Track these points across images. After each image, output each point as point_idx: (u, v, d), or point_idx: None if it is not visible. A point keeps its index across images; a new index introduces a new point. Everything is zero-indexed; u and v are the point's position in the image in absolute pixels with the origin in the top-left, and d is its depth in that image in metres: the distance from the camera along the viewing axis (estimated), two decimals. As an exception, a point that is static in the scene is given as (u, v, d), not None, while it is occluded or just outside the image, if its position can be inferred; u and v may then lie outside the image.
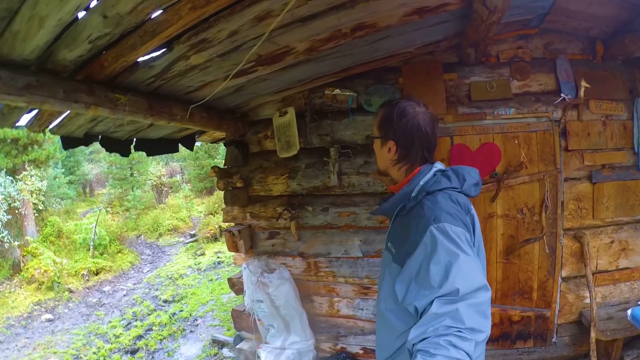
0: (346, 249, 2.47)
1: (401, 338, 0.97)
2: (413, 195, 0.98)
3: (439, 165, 1.04)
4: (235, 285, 2.89)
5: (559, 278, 2.33)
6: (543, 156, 2.22)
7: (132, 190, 10.45)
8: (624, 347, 2.20)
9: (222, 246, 7.38)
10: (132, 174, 10.65)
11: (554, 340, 2.37)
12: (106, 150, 2.38)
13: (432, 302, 0.79)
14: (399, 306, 0.94)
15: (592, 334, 2.12)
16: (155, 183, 11.44)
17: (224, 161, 2.77)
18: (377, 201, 2.31)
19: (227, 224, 3.16)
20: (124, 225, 8.89)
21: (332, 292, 2.60)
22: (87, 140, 2.18)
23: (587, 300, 2.30)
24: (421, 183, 0.99)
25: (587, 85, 2.20)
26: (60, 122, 1.89)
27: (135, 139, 2.55)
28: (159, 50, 1.45)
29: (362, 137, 2.36)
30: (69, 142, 2.10)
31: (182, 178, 13.47)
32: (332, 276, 2.55)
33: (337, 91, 2.37)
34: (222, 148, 11.21)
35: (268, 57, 1.70)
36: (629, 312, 2.00)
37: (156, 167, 12.35)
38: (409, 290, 0.87)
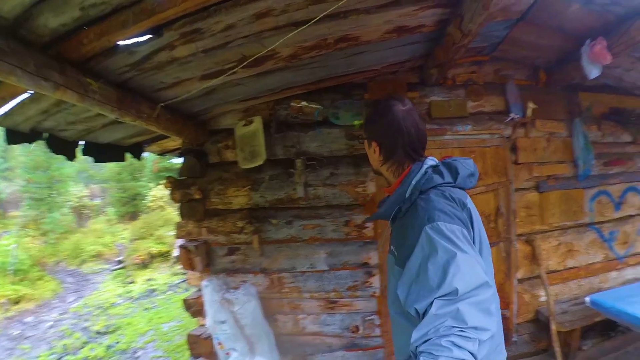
0: (312, 262, 2.77)
1: None
2: (407, 196, 1.08)
3: (430, 161, 1.14)
4: (192, 307, 2.99)
5: (515, 280, 2.89)
6: (496, 169, 2.81)
7: (50, 212, 9.90)
8: (581, 338, 2.80)
9: (153, 273, 7.43)
10: (50, 195, 10.12)
11: (514, 339, 2.93)
12: (52, 152, 2.42)
13: (432, 303, 0.87)
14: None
15: (553, 327, 2.70)
16: (75, 205, 11.00)
17: (179, 172, 2.95)
18: (342, 213, 2.71)
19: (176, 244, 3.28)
20: (42, 250, 8.43)
21: (296, 308, 2.85)
22: (32, 136, 2.24)
23: (542, 299, 2.94)
24: (413, 182, 1.09)
25: (535, 107, 2.86)
26: (8, 110, 1.84)
27: (84, 142, 2.67)
28: (146, 34, 1.47)
29: (328, 150, 2.75)
30: (13, 137, 2.13)
31: (104, 201, 13.07)
32: (297, 292, 2.80)
33: (303, 103, 2.74)
34: (147, 170, 11.24)
35: (251, 59, 1.84)
36: (587, 299, 2.65)
37: (76, 187, 11.87)
38: (409, 293, 0.95)
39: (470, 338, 0.83)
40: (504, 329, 2.82)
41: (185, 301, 3.11)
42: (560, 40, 2.51)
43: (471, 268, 0.92)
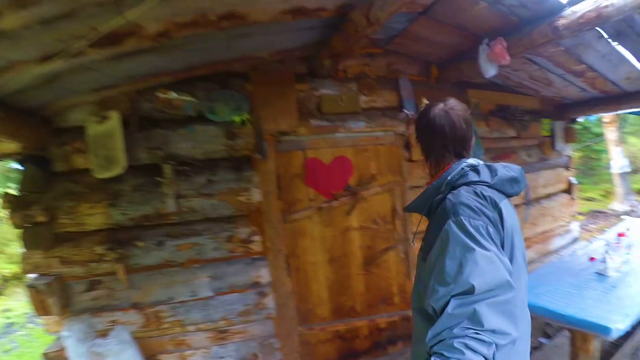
0: (193, 289, 2.64)
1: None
2: (441, 190, 1.19)
3: (470, 160, 1.24)
4: (56, 362, 2.65)
5: (414, 279, 3.16)
6: (391, 167, 3.07)
7: None
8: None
9: (8, 301, 6.39)
10: None
11: None
12: None
13: (449, 301, 0.94)
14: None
15: None
16: None
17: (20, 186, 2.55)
18: (224, 227, 2.66)
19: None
20: None
21: (182, 345, 2.70)
22: None
23: None
24: (448, 178, 1.19)
25: (427, 102, 3.12)
26: None
27: None
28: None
29: (203, 151, 2.62)
30: None
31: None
32: (180, 326, 2.65)
33: (172, 95, 2.55)
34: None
35: (107, 36, 1.67)
36: None
37: None
38: (426, 288, 1.05)
39: (485, 341, 0.88)
40: (408, 329, 3.10)
41: (45, 356, 2.67)
42: (458, 38, 2.79)
43: (491, 265, 0.97)
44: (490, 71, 2.62)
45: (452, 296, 0.95)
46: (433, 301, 1.00)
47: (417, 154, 3.14)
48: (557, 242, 4.47)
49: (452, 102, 1.30)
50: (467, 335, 0.89)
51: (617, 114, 7.78)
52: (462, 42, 2.80)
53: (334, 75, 2.97)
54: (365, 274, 3.02)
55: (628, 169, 8.53)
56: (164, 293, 2.60)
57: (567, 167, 4.60)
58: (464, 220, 1.04)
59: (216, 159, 2.66)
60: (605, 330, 2.03)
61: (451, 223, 1.05)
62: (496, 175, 1.19)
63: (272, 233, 2.67)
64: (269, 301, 2.77)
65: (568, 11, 2.10)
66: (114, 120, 2.45)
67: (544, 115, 4.30)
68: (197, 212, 2.62)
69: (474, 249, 0.98)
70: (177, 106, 2.57)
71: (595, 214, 8.41)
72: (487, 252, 0.99)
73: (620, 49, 2.79)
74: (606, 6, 1.91)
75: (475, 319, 0.91)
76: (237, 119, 2.65)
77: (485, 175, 1.18)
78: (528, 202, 3.90)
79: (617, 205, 8.53)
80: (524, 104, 3.97)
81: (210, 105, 2.62)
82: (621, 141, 8.45)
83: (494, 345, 0.89)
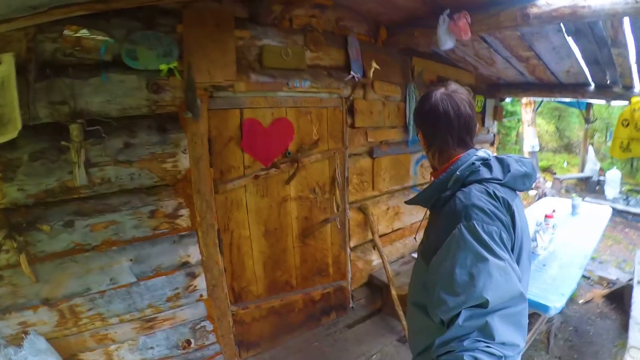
0: (112, 276, 2.43)
1: (430, 338, 1.15)
2: (449, 185, 1.19)
3: (480, 153, 1.24)
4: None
5: (349, 249, 3.49)
6: (333, 133, 3.15)
7: None
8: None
9: None
10: None
11: (351, 306, 3.61)
12: None
13: (459, 313, 0.98)
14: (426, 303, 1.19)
15: (393, 292, 3.37)
16: None
17: None
18: (145, 200, 2.46)
19: None
20: None
21: (105, 340, 2.52)
22: None
23: (375, 263, 3.69)
24: (457, 173, 1.19)
25: (377, 67, 3.20)
26: None
27: None
28: None
29: (120, 107, 2.31)
30: None
31: None
32: (101, 319, 2.46)
33: (83, 32, 2.18)
34: None
35: None
36: (415, 255, 3.30)
37: None
38: (433, 295, 1.07)
39: (495, 355, 0.94)
40: (341, 299, 3.36)
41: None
42: (417, 3, 2.84)
43: (505, 277, 1.00)
44: (447, 44, 2.78)
45: (464, 308, 1.00)
46: (441, 312, 1.04)
47: (360, 120, 3.26)
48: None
49: (454, 86, 1.32)
50: (477, 349, 0.94)
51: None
52: (420, 7, 2.89)
53: (279, 24, 2.84)
54: (301, 247, 3.14)
55: (537, 148, 9.86)
56: (79, 284, 2.35)
57: (492, 143, 5.24)
58: (477, 225, 1.05)
59: (136, 116, 2.37)
60: (545, 308, 2.30)
61: (462, 228, 1.06)
62: (509, 171, 1.21)
63: (202, 205, 2.56)
64: (200, 282, 2.72)
65: (542, 1, 2.28)
66: (6, 65, 1.99)
67: (478, 92, 4.78)
68: (113, 183, 2.34)
69: (487, 259, 1.01)
70: (88, 48, 2.20)
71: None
72: (501, 262, 1.02)
73: (572, 44, 3.17)
74: (583, 7, 2.14)
75: (486, 332, 0.96)
76: (163, 67, 2.38)
77: (497, 172, 1.20)
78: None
79: None
80: (462, 78, 4.35)
81: (130, 48, 2.30)
82: (534, 122, 9.78)
83: (503, 358, 0.96)
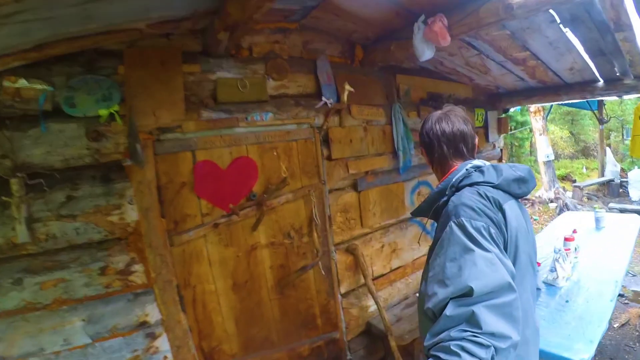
0: (65, 337, 2.37)
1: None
2: (447, 192, 1.36)
3: (475, 162, 1.44)
4: None
5: (339, 296, 3.24)
6: (306, 168, 3.01)
7: None
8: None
9: None
10: None
11: (349, 358, 3.37)
12: None
13: (447, 304, 1.08)
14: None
15: (392, 343, 3.14)
16: None
17: None
18: (95, 256, 2.41)
19: None
20: None
21: None
22: None
23: (372, 309, 3.45)
24: (453, 179, 1.37)
25: (351, 89, 3.12)
26: None
27: None
28: None
29: (61, 158, 2.31)
30: None
31: None
32: None
33: (22, 82, 2.20)
34: None
35: None
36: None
37: None
38: (427, 290, 1.18)
39: (482, 344, 0.98)
40: (335, 351, 3.05)
41: None
42: (389, 14, 2.75)
43: (491, 267, 1.09)
44: (426, 53, 2.63)
45: (451, 299, 1.08)
46: (432, 304, 1.12)
47: (337, 151, 3.03)
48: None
49: (450, 106, 1.58)
50: (464, 338, 1.00)
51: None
52: (393, 19, 2.80)
53: (236, 54, 2.80)
54: (279, 299, 2.94)
55: (552, 157, 9.72)
56: (32, 343, 2.31)
57: (500, 159, 4.89)
58: (464, 221, 1.18)
59: (80, 167, 2.36)
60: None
61: (452, 224, 1.20)
62: (502, 175, 1.35)
63: (156, 260, 2.47)
64: (162, 343, 2.60)
65: (524, -13, 2.12)
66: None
67: (477, 105, 4.56)
68: (59, 238, 2.32)
69: (473, 250, 1.12)
70: (28, 98, 2.21)
71: (521, 201, 9.46)
72: (488, 253, 1.12)
73: (570, 36, 2.98)
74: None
75: (473, 321, 1.02)
76: (103, 112, 2.35)
77: (490, 176, 1.35)
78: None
79: (542, 193, 9.67)
80: (457, 92, 4.13)
81: (69, 96, 2.29)
82: (545, 130, 9.66)
83: (492, 348, 0.99)
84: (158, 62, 2.46)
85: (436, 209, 1.38)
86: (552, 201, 8.94)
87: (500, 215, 1.25)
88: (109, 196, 2.39)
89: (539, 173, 9.98)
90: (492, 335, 1.00)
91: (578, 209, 7.67)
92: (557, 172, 10.73)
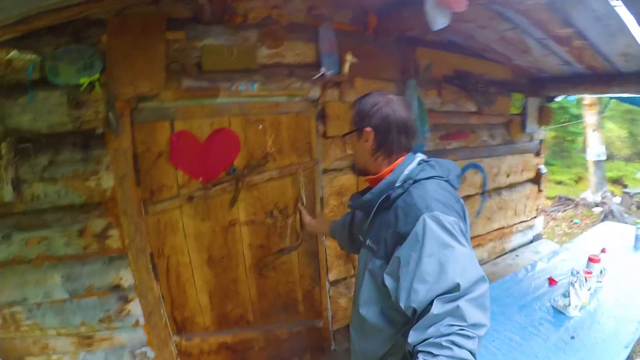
0: (46, 290, 2.79)
1: (388, 342, 1.47)
2: (397, 184, 1.45)
3: (421, 156, 1.57)
4: None
5: (327, 284, 3.26)
6: (296, 145, 3.16)
7: None
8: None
9: None
10: None
11: (333, 348, 3.61)
12: None
13: (432, 301, 1.19)
14: (385, 307, 1.43)
15: None
16: None
17: None
18: (75, 218, 2.76)
19: None
20: None
21: (46, 349, 2.91)
22: None
23: None
24: (406, 172, 1.46)
25: (354, 60, 3.10)
26: None
27: None
28: None
29: (46, 124, 2.68)
30: None
31: None
32: (39, 329, 2.85)
33: (13, 53, 2.52)
34: None
35: None
36: None
37: None
38: (400, 283, 1.29)
39: (469, 336, 1.11)
40: (318, 340, 3.09)
41: None
42: None
43: (470, 262, 1.23)
44: (439, 21, 2.56)
45: (436, 295, 1.18)
46: (414, 302, 1.22)
47: (334, 127, 3.00)
48: (515, 240, 4.80)
49: (385, 90, 1.62)
50: (453, 333, 1.11)
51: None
52: None
53: (229, 20, 2.92)
54: (257, 279, 3.21)
55: (604, 157, 9.28)
56: (18, 293, 2.75)
57: (537, 153, 4.50)
58: (439, 216, 1.27)
59: (63, 133, 2.70)
60: None
61: (426, 219, 1.27)
62: (449, 170, 1.49)
63: (130, 227, 2.84)
64: (134, 307, 2.98)
65: None
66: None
67: (516, 89, 4.29)
68: (42, 199, 2.69)
69: (453, 247, 1.23)
70: (18, 68, 2.53)
71: (563, 200, 9.18)
72: (465, 248, 1.26)
73: (623, 11, 2.64)
74: None
75: (458, 315, 1.13)
76: (83, 81, 2.63)
77: (442, 171, 1.47)
78: (484, 193, 3.73)
79: (588, 195, 9.26)
80: (491, 72, 3.89)
81: (53, 65, 2.60)
82: (599, 126, 9.21)
83: (476, 338, 1.13)
84: (140, 29, 2.68)
85: (384, 201, 1.45)
86: (597, 205, 8.55)
87: (459, 207, 1.40)
88: (87, 162, 2.74)
89: (587, 172, 9.80)
90: (474, 326, 1.13)
91: (624, 218, 6.97)
92: (608, 174, 10.52)
